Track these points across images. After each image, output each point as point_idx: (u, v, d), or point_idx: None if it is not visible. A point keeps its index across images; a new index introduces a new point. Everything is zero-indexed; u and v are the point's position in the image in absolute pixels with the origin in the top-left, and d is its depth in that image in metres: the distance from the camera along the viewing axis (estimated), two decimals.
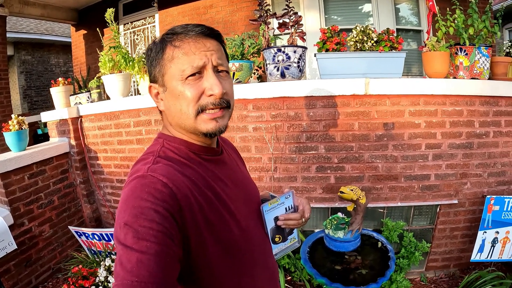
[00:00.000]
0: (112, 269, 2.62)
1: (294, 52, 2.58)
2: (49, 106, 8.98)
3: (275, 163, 2.80)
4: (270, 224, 1.19)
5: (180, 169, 0.90)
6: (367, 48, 2.63)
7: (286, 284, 2.76)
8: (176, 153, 0.95)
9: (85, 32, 6.63)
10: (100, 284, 2.69)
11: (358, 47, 2.66)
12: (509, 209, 2.65)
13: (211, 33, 0.95)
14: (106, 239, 2.99)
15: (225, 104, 0.95)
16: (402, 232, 2.75)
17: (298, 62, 2.64)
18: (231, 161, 1.14)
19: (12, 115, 3.14)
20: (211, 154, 1.03)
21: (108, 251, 3.02)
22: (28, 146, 3.30)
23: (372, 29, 2.70)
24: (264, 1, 2.70)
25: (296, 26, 2.62)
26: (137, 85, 3.45)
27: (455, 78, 2.69)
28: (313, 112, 2.65)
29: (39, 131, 7.32)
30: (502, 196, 2.63)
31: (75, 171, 3.59)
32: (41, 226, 3.19)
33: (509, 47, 2.91)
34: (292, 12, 2.62)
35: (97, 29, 3.60)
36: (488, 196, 2.62)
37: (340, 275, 2.25)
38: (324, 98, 2.61)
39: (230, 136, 2.82)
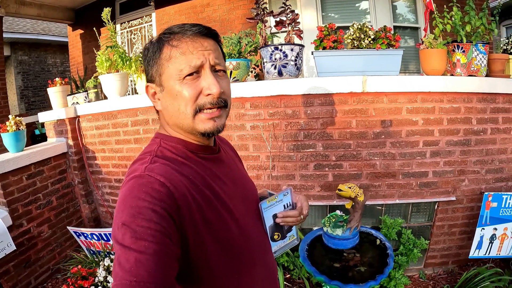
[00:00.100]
0: (111, 269, 2.62)
1: (291, 50, 2.58)
2: (47, 106, 8.96)
3: (273, 161, 2.80)
4: (268, 222, 1.19)
5: (178, 168, 0.90)
6: (364, 45, 2.63)
7: (285, 282, 2.77)
8: (173, 152, 0.95)
9: (82, 31, 6.61)
10: (99, 284, 2.68)
11: (355, 44, 2.65)
12: (507, 206, 2.66)
13: (208, 33, 0.95)
14: (105, 239, 2.98)
15: (223, 103, 0.95)
16: (400, 229, 2.76)
17: (296, 60, 2.64)
18: (228, 159, 1.14)
19: (10, 116, 3.13)
20: (208, 152, 1.03)
21: (107, 251, 3.02)
22: (25, 146, 3.29)
23: (369, 26, 2.70)
24: None
25: (293, 24, 2.62)
26: (135, 84, 3.44)
27: (452, 75, 2.70)
28: (310, 110, 2.65)
29: (37, 132, 7.30)
30: (500, 193, 2.64)
31: (73, 171, 3.58)
32: (39, 226, 3.19)
33: (506, 44, 2.91)
34: (289, 10, 2.62)
35: (94, 28, 3.58)
36: (486, 193, 2.63)
37: (339, 272, 2.26)
38: (322, 96, 2.61)
39: (228, 135, 2.81)
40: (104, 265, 2.75)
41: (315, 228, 2.79)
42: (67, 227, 3.26)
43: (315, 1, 4.78)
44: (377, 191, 2.77)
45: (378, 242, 2.49)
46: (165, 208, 0.79)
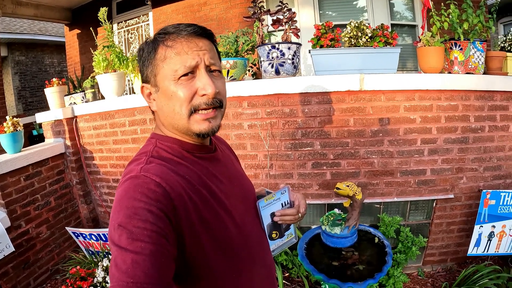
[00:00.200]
0: None
1: (288, 48, 2.57)
2: (44, 106, 8.94)
3: (270, 160, 2.80)
4: (266, 220, 1.19)
5: (174, 168, 0.90)
6: (361, 44, 2.63)
7: (284, 281, 2.77)
8: (169, 152, 0.95)
9: (79, 31, 6.59)
10: (98, 284, 2.69)
11: (353, 43, 2.65)
12: (505, 203, 2.66)
13: (203, 33, 0.95)
14: (104, 239, 2.98)
15: (218, 103, 0.94)
16: (398, 227, 2.76)
17: (293, 59, 2.63)
18: (225, 158, 1.14)
19: (7, 117, 3.12)
20: (204, 152, 1.03)
21: (106, 251, 3.01)
22: (23, 147, 3.27)
23: (367, 24, 2.70)
24: None
25: (290, 22, 2.61)
26: (132, 84, 3.44)
27: (450, 73, 2.69)
28: (308, 108, 2.65)
29: (34, 132, 7.30)
30: (498, 191, 2.64)
31: (71, 171, 3.58)
32: (38, 227, 3.18)
33: (504, 42, 2.91)
34: (286, 8, 2.61)
35: (91, 28, 3.57)
36: (484, 191, 2.63)
37: (337, 271, 2.25)
38: (319, 95, 2.61)
39: (225, 134, 2.81)
40: (103, 266, 2.75)
41: (313, 227, 2.79)
42: (66, 227, 3.26)
43: None
44: (375, 189, 2.77)
45: (376, 240, 2.49)
46: (161, 208, 0.79)
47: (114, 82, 3.26)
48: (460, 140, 2.70)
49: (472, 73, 2.65)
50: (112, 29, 3.27)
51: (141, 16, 6.05)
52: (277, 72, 2.64)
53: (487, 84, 2.64)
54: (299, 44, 2.68)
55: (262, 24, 2.70)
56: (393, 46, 2.67)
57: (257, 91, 2.68)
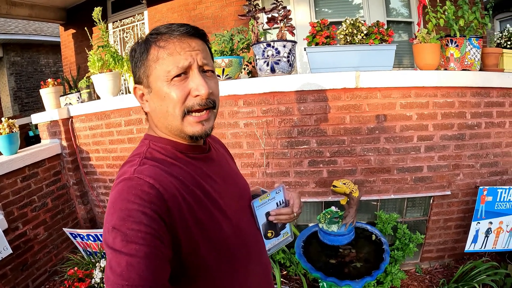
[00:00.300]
0: None
1: (284, 46, 2.57)
2: (40, 107, 8.92)
3: (267, 159, 2.79)
4: (261, 220, 1.19)
5: (167, 169, 0.90)
6: (357, 41, 2.62)
7: (282, 279, 2.77)
8: (162, 153, 0.95)
9: (74, 31, 6.56)
10: (96, 285, 2.68)
11: (348, 40, 2.64)
12: (502, 200, 2.66)
13: (195, 33, 0.94)
14: (101, 239, 2.97)
15: (211, 104, 0.94)
16: (396, 224, 2.76)
17: (288, 57, 2.62)
18: (219, 158, 1.14)
19: (2, 118, 3.10)
20: (198, 152, 1.03)
21: (104, 251, 3.00)
22: (19, 148, 3.25)
23: (362, 22, 2.69)
24: None
25: (285, 20, 2.61)
26: (127, 83, 3.43)
27: (446, 69, 2.69)
28: (304, 106, 2.64)
29: (31, 133, 7.28)
30: (495, 187, 2.64)
31: (68, 172, 3.56)
32: (35, 229, 3.17)
33: (500, 38, 2.91)
34: (281, 6, 2.60)
35: (85, 28, 3.55)
36: (481, 187, 2.63)
37: (335, 269, 2.25)
38: (315, 92, 2.60)
39: (221, 133, 2.81)
40: (101, 266, 2.74)
41: (310, 225, 2.80)
42: (63, 228, 3.25)
43: None
44: (372, 187, 2.77)
45: (373, 237, 2.49)
46: (155, 210, 0.78)
47: (110, 82, 3.24)
48: (457, 137, 2.70)
49: (468, 70, 2.65)
50: (107, 28, 3.26)
51: (136, 15, 6.03)
52: (273, 70, 2.63)
53: (483, 81, 2.63)
54: (294, 42, 2.67)
55: (257, 22, 2.69)
56: (388, 43, 2.66)
57: (252, 89, 2.67)
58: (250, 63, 3.23)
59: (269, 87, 2.63)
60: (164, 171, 0.88)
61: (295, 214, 1.22)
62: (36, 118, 3.59)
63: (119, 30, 6.25)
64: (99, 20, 3.14)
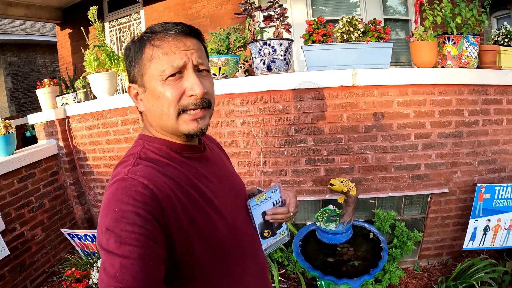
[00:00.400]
0: None
1: (280, 44, 2.56)
2: (37, 107, 8.89)
3: (264, 157, 2.78)
4: (258, 219, 1.19)
5: (162, 169, 0.89)
6: (353, 39, 2.61)
7: (280, 278, 2.76)
8: (157, 154, 0.94)
9: (71, 31, 6.54)
10: (94, 286, 2.68)
11: (345, 38, 2.63)
12: (500, 197, 2.66)
13: (191, 32, 0.93)
14: None
15: (206, 104, 0.94)
16: (393, 222, 2.75)
17: (285, 55, 2.62)
18: (215, 157, 1.13)
19: None
20: (193, 151, 1.02)
21: None
22: (16, 149, 3.24)
23: (359, 19, 2.68)
24: None
25: (281, 18, 2.60)
26: (124, 83, 3.41)
27: (443, 67, 2.69)
28: (300, 104, 2.63)
29: (28, 134, 7.26)
30: (492, 184, 2.64)
31: (65, 172, 3.55)
32: (33, 230, 3.16)
33: (497, 36, 2.90)
34: (277, 4, 2.59)
35: (81, 27, 3.54)
36: (478, 185, 2.63)
37: (333, 267, 2.25)
38: (312, 91, 2.60)
39: (218, 132, 2.80)
40: (98, 267, 2.74)
41: (308, 223, 2.79)
42: (61, 229, 3.24)
43: None
44: (369, 185, 2.76)
45: (371, 235, 2.48)
46: (149, 210, 0.78)
47: (106, 81, 3.23)
48: (454, 135, 2.70)
49: (466, 67, 2.64)
50: (103, 27, 3.25)
51: (133, 14, 6.02)
52: (269, 69, 2.63)
53: (480, 78, 2.63)
54: (291, 40, 2.66)
55: (253, 21, 2.68)
56: (385, 41, 2.65)
57: (249, 88, 2.66)
58: (247, 61, 3.22)
59: (266, 85, 2.62)
60: (158, 171, 0.87)
61: (291, 213, 1.22)
62: (32, 119, 3.58)
63: (116, 30, 6.24)
64: (95, 20, 3.13)
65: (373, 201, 2.87)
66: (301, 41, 2.81)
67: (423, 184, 2.77)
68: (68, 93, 3.57)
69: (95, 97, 3.46)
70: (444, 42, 2.65)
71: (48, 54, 10.35)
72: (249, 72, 3.21)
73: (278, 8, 2.59)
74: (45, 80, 3.66)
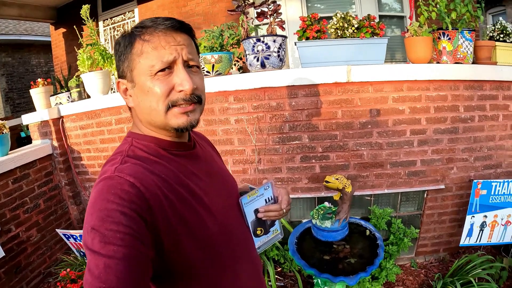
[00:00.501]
0: None
1: (274, 41, 2.54)
2: (32, 108, 8.87)
3: (258, 155, 2.77)
4: (250, 217, 1.17)
5: (149, 167, 0.88)
6: (348, 35, 2.60)
7: (276, 276, 2.75)
8: (145, 151, 0.93)
9: (65, 30, 6.51)
10: None
11: (339, 34, 2.62)
12: (496, 193, 2.65)
13: (181, 27, 0.92)
14: None
15: (196, 99, 0.92)
16: (390, 219, 2.74)
17: (278, 52, 2.60)
18: (205, 155, 1.12)
19: None
20: (182, 149, 1.01)
21: None
22: (11, 150, 3.22)
23: (353, 15, 2.67)
24: None
25: (275, 15, 2.58)
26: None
27: (438, 63, 2.68)
28: (295, 101, 2.62)
29: (23, 134, 7.24)
30: (489, 180, 2.63)
31: (60, 172, 3.53)
32: (28, 231, 3.14)
33: (492, 31, 2.89)
34: (270, 1, 2.57)
35: (74, 26, 3.51)
36: (475, 181, 2.62)
37: (329, 265, 2.23)
38: (306, 87, 2.58)
39: (212, 130, 2.78)
40: None
41: (304, 221, 2.77)
42: (56, 229, 3.22)
43: None
44: (365, 182, 2.75)
45: (367, 233, 2.47)
46: (135, 209, 0.76)
47: (99, 80, 3.21)
48: (450, 131, 2.69)
49: (461, 63, 2.63)
50: (97, 26, 3.22)
51: (127, 12, 5.99)
52: (263, 65, 2.61)
53: (476, 74, 2.62)
54: (285, 37, 2.65)
55: (247, 17, 2.66)
56: (380, 36, 2.64)
57: (242, 85, 2.65)
58: (241, 59, 3.21)
59: (260, 82, 2.61)
60: (146, 169, 0.86)
61: (284, 210, 1.21)
62: (26, 119, 3.56)
63: (110, 28, 6.21)
64: (88, 18, 3.11)
65: (369, 198, 2.86)
66: (296, 38, 2.79)
67: (419, 181, 2.76)
68: (62, 92, 3.55)
69: (89, 96, 3.44)
70: (439, 38, 2.64)
71: (43, 54, 10.32)
72: (243, 69, 3.20)
73: (272, 5, 2.58)
74: (39, 80, 3.64)
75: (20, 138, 7.14)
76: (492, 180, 2.63)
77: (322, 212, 2.38)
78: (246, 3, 2.60)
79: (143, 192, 0.79)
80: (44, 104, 3.59)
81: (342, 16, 2.62)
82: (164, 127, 0.92)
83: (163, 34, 0.88)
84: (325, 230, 2.33)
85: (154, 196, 0.81)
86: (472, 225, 2.70)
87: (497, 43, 2.80)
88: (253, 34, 2.88)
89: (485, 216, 2.69)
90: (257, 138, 2.72)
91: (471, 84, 2.64)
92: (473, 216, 2.69)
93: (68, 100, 3.50)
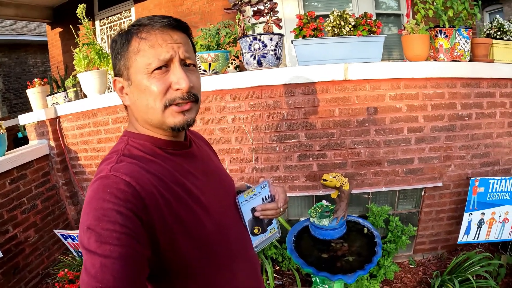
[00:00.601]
0: None
1: (270, 39, 2.54)
2: (29, 108, 8.85)
3: (256, 153, 2.76)
4: (247, 216, 1.17)
5: (145, 166, 0.87)
6: (345, 33, 2.59)
7: (274, 274, 2.75)
8: (141, 150, 0.92)
9: (61, 30, 6.49)
10: None
11: (336, 32, 2.61)
12: (494, 190, 2.66)
13: (178, 25, 0.91)
14: None
15: (193, 98, 0.92)
16: (387, 216, 2.74)
17: (275, 50, 2.59)
18: (201, 154, 1.11)
19: None
20: (178, 148, 1.00)
21: None
22: (8, 150, 3.21)
23: (350, 13, 2.66)
24: None
25: (271, 13, 2.57)
26: None
27: (435, 60, 2.67)
28: (292, 100, 2.61)
29: (20, 135, 7.23)
30: (486, 178, 2.63)
31: (57, 173, 3.52)
32: (26, 231, 3.13)
33: (489, 29, 2.89)
34: None
35: (71, 26, 3.50)
36: (472, 178, 2.62)
37: (327, 263, 2.23)
38: (303, 85, 2.58)
39: (209, 128, 2.78)
40: None
41: (301, 219, 2.77)
42: (54, 230, 3.20)
43: None
44: (363, 180, 2.75)
45: (365, 230, 2.46)
46: (131, 208, 0.76)
47: (96, 80, 3.20)
48: (447, 128, 2.69)
49: (458, 61, 2.63)
50: (93, 25, 3.21)
51: (123, 12, 5.97)
52: (260, 64, 2.60)
53: (473, 71, 2.62)
54: (281, 35, 2.64)
55: (243, 16, 2.66)
56: (377, 34, 2.63)
57: (239, 83, 2.64)
58: (238, 57, 3.20)
59: (257, 81, 2.60)
60: (142, 168, 0.86)
61: (281, 209, 1.21)
62: (23, 119, 3.54)
63: (106, 28, 6.19)
64: (83, 17, 3.09)
65: (366, 196, 2.86)
66: (293, 36, 2.79)
67: (417, 178, 2.76)
68: (59, 92, 3.53)
69: (85, 96, 3.43)
70: (436, 36, 2.64)
71: (40, 54, 10.28)
72: (240, 68, 3.19)
73: (268, 3, 2.57)
74: (36, 80, 3.63)
75: (17, 138, 7.12)
76: (489, 178, 2.64)
77: (320, 210, 2.38)
78: (242, 2, 2.59)
79: (139, 191, 0.79)
80: (40, 104, 3.59)
81: (339, 14, 2.61)
82: (160, 125, 0.92)
83: (160, 32, 0.88)
84: (323, 229, 2.33)
85: (150, 195, 0.81)
86: (470, 222, 2.71)
87: (494, 40, 2.80)
88: (250, 32, 2.87)
89: (483, 214, 2.70)
90: (254, 137, 2.72)
91: (468, 81, 2.64)
92: (471, 214, 2.69)
93: (64, 100, 3.49)
